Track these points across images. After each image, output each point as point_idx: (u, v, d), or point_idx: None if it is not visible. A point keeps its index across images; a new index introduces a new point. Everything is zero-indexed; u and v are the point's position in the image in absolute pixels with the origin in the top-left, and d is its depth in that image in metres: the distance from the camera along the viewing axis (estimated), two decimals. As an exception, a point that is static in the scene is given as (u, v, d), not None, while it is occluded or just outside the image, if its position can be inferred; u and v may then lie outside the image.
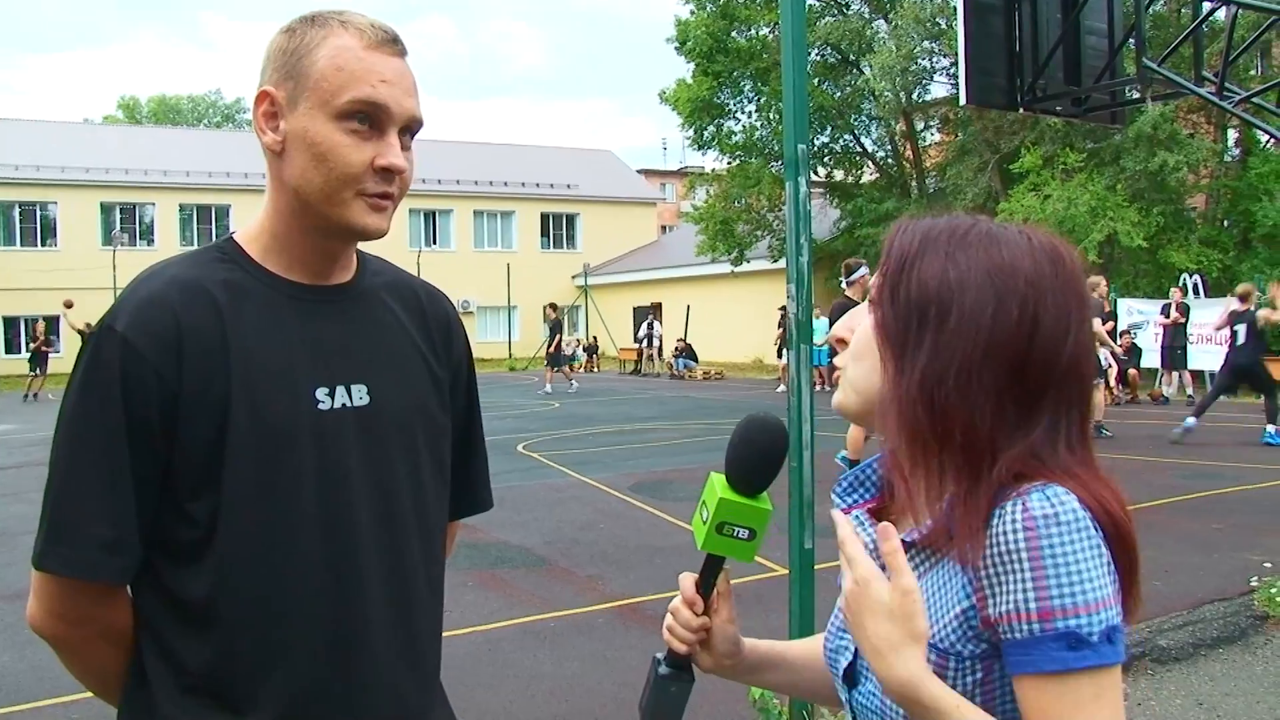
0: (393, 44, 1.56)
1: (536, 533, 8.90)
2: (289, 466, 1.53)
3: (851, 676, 1.33)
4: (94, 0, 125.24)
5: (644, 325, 33.83)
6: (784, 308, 5.32)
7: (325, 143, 1.50)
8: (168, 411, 1.48)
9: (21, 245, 41.73)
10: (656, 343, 33.69)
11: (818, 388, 22.25)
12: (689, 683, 1.49)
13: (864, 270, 11.47)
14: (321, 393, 1.57)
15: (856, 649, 1.32)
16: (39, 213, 42.51)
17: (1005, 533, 1.15)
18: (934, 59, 27.55)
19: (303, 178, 1.53)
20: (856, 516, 1.38)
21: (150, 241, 43.39)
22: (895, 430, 1.27)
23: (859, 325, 1.37)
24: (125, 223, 43.33)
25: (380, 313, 1.70)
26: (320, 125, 1.51)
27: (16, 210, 41.99)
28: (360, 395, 1.61)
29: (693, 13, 30.65)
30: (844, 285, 11.41)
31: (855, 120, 31.32)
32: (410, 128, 1.57)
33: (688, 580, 1.50)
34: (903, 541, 1.24)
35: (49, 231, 42.62)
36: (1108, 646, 1.12)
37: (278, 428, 1.52)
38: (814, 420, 3.97)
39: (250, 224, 1.66)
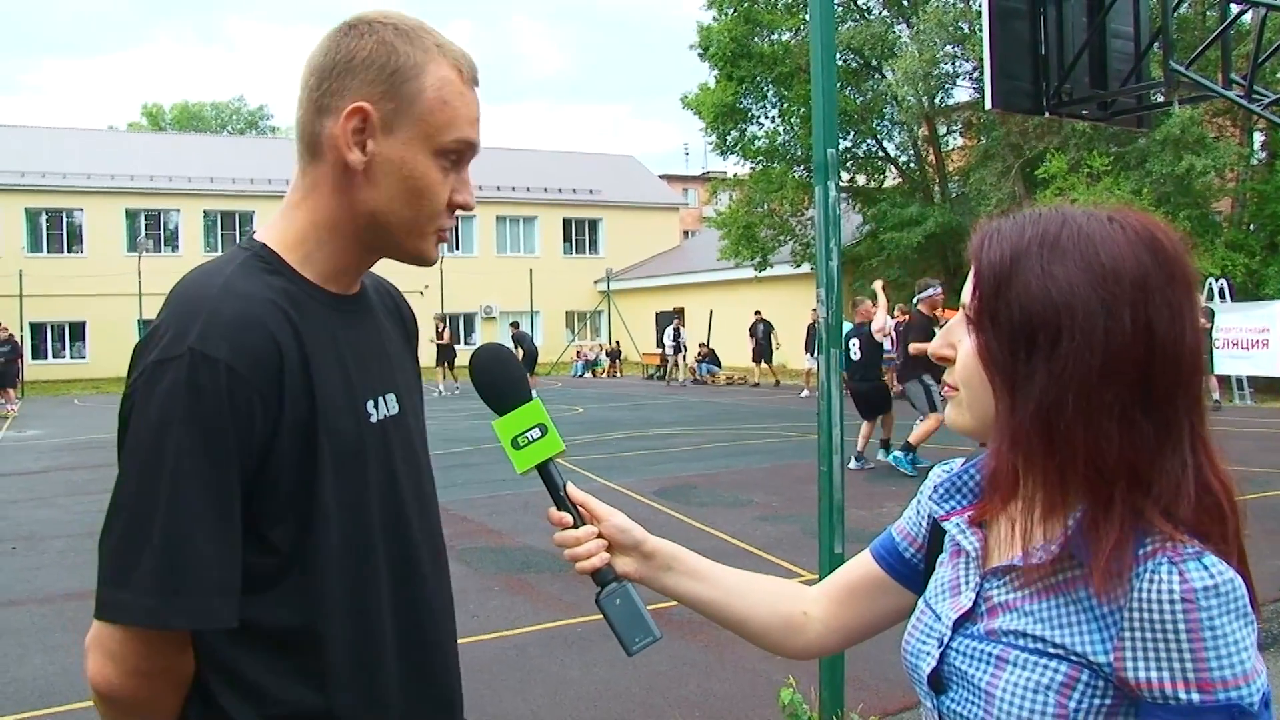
0: (477, 77, 1.57)
1: (561, 537, 8.89)
2: (362, 481, 1.54)
3: (938, 682, 1.30)
4: (115, 4, 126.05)
5: (669, 332, 33.51)
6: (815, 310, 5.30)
7: (424, 179, 1.51)
8: (270, 437, 1.42)
9: (48, 252, 41.98)
10: (684, 349, 33.34)
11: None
12: (622, 585, 1.56)
13: (932, 290, 12.04)
14: (369, 405, 1.58)
15: (943, 654, 1.29)
16: (65, 220, 42.83)
17: (1160, 602, 1.10)
18: (957, 63, 27.46)
19: (389, 206, 1.51)
20: (957, 524, 1.36)
21: (175, 248, 43.69)
22: (1012, 455, 1.22)
23: (960, 342, 1.29)
24: (150, 229, 43.57)
25: (380, 319, 1.72)
26: (421, 159, 1.50)
27: (44, 217, 42.25)
28: (393, 404, 1.63)
29: (715, 18, 30.62)
30: (915, 301, 12.34)
31: (878, 125, 31.24)
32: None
33: (551, 510, 1.59)
34: (1013, 565, 1.24)
35: (75, 238, 42.90)
36: (1265, 712, 1.11)
37: (350, 444, 1.52)
38: (843, 424, 3.96)
39: (283, 230, 1.59)
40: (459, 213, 1.60)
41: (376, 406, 1.58)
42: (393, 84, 1.49)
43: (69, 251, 42.28)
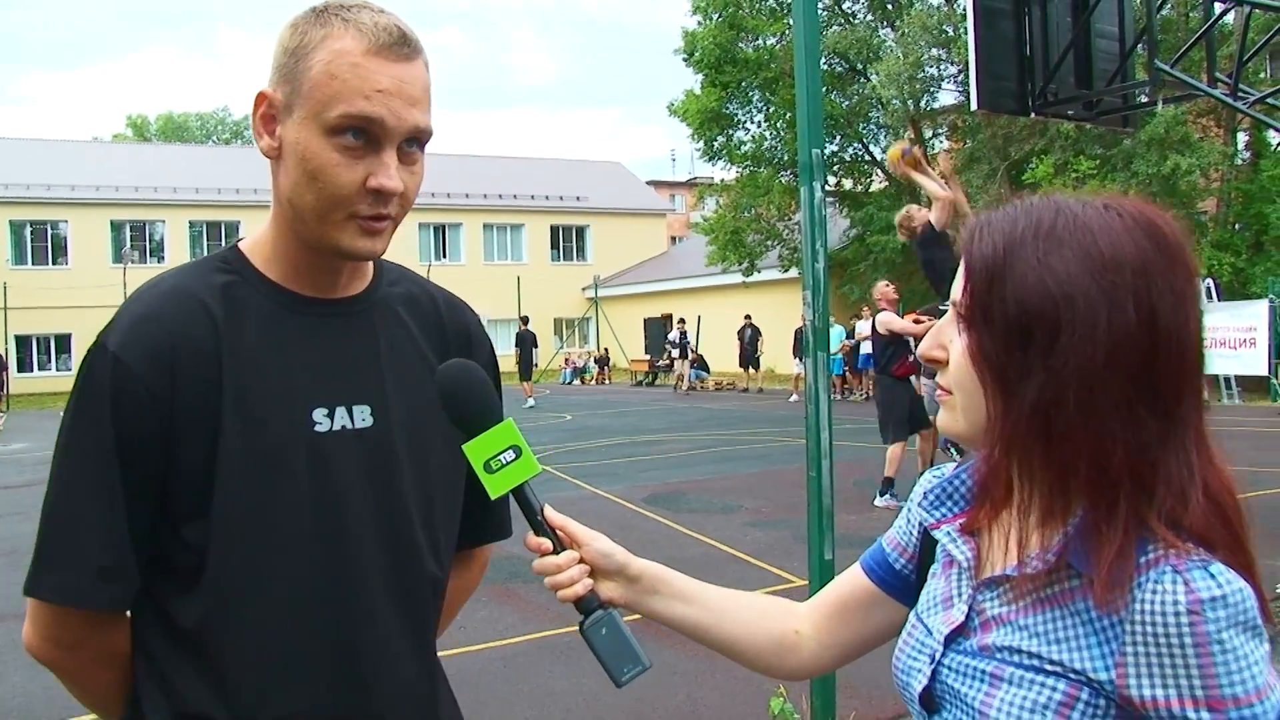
0: (398, 46, 1.42)
1: (550, 546, 8.82)
2: (282, 491, 1.46)
3: (930, 701, 1.24)
4: (101, 16, 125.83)
5: (674, 335, 32.87)
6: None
7: (315, 159, 1.41)
8: (162, 430, 1.42)
9: (33, 264, 41.83)
10: (689, 353, 32.46)
11: (857, 395, 21.60)
12: (607, 613, 1.47)
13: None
14: (320, 413, 1.50)
15: (934, 671, 1.22)
16: (50, 231, 42.73)
17: (1165, 614, 1.03)
18: (941, 66, 27.48)
19: (294, 192, 1.45)
20: (948, 533, 1.30)
21: (160, 258, 43.48)
22: (1008, 460, 1.16)
23: (951, 342, 1.22)
24: (135, 240, 43.45)
25: (392, 327, 1.62)
26: (312, 139, 1.41)
27: (28, 229, 42.17)
28: (363, 416, 1.54)
29: (700, 24, 30.64)
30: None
31: (864, 129, 31.26)
32: (417, 139, 1.46)
33: (528, 536, 1.49)
34: (1007, 576, 1.17)
35: (60, 250, 42.78)
36: None
37: (270, 449, 1.45)
38: (832, 428, 3.90)
39: (257, 234, 1.59)
40: (391, 200, 1.45)
41: (331, 416, 1.51)
42: (288, 65, 1.45)
43: (54, 263, 42.11)
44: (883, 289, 10.95)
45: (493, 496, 1.44)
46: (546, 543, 1.48)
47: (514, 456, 1.43)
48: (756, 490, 11.43)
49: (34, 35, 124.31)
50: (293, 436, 1.47)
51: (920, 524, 1.39)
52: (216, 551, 1.43)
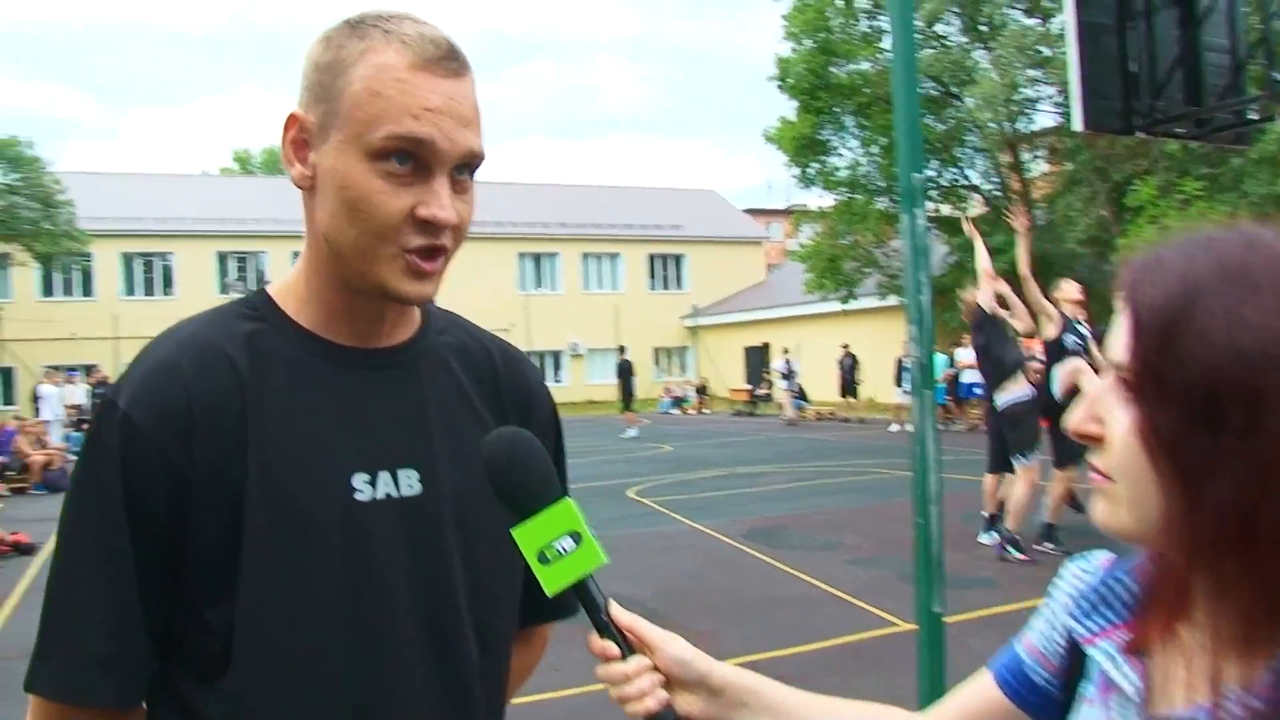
0: (448, 60, 1.26)
1: (647, 583, 8.63)
2: (313, 569, 1.28)
3: None
4: (207, 51, 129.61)
5: (780, 363, 32.19)
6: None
7: (357, 187, 1.24)
8: (178, 500, 1.25)
9: (143, 295, 42.84)
10: (795, 383, 31.53)
11: (959, 424, 20.55)
12: None
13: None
14: (360, 480, 1.32)
15: None
16: (159, 263, 43.74)
17: None
18: (1038, 87, 26.87)
19: (332, 225, 1.29)
20: (1107, 651, 1.01)
21: (267, 289, 44.29)
22: (1191, 569, 0.90)
23: (1112, 415, 0.93)
24: (241, 271, 44.30)
25: (441, 381, 1.44)
26: (352, 165, 1.25)
27: (138, 261, 43.24)
28: (410, 483, 1.36)
29: (793, 50, 30.40)
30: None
31: (960, 153, 30.67)
32: (469, 164, 1.29)
33: (591, 638, 1.24)
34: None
35: (168, 281, 43.72)
36: None
37: (301, 522, 1.28)
38: (940, 470, 3.66)
39: (287, 275, 1.42)
40: (443, 232, 1.27)
41: (374, 482, 1.33)
42: (324, 82, 1.28)
43: (163, 294, 43.10)
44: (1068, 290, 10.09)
45: (548, 593, 1.21)
46: (612, 647, 1.23)
47: (573, 544, 1.20)
48: (857, 525, 11.11)
49: (144, 73, 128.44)
50: (328, 506, 1.30)
51: (1068, 632, 1.10)
52: (243, 638, 1.25)
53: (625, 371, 27.26)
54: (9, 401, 37.02)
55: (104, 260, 41.65)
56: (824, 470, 16.91)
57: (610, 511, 13.04)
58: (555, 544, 1.20)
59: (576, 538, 1.21)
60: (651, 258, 50.77)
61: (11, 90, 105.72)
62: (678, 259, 51.37)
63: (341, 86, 1.26)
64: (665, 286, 51.06)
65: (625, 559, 9.68)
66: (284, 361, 1.34)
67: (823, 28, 29.52)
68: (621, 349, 28.91)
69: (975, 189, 31.44)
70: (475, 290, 44.33)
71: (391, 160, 1.23)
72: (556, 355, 47.47)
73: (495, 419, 1.47)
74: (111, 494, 1.24)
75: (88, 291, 41.90)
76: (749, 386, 38.91)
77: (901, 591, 7.64)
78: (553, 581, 1.20)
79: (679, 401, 40.04)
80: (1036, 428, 9.36)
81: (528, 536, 1.21)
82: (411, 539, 1.35)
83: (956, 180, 31.25)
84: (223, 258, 44.13)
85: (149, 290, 43.40)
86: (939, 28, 28.95)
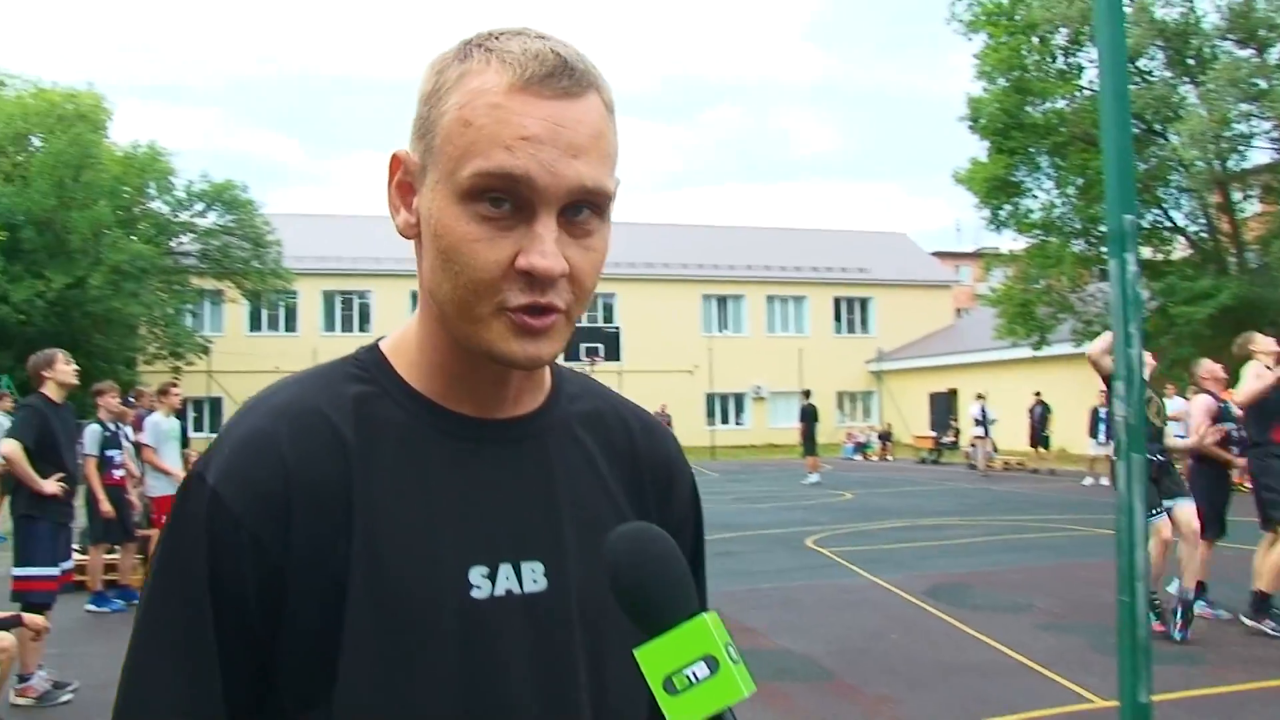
0: (554, 78, 1.04)
1: (821, 640, 8.29)
2: (426, 675, 1.07)
3: None
4: (404, 101, 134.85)
5: (975, 409, 31.00)
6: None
7: (449, 235, 1.05)
8: (270, 591, 1.05)
9: (341, 331, 44.44)
10: (989, 431, 30.15)
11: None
12: None
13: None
14: (478, 574, 1.11)
15: None
16: (356, 301, 45.50)
17: None
18: (1252, 122, 25.53)
19: (432, 279, 1.10)
20: None
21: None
22: None
23: None
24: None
25: (572, 457, 1.22)
26: (444, 208, 1.06)
27: (337, 299, 45.11)
28: (534, 578, 1.14)
29: (985, 89, 29.65)
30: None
31: (1163, 193, 29.31)
32: (588, 202, 1.06)
33: None
34: None
35: (365, 318, 45.34)
36: None
37: (413, 621, 1.07)
38: (1146, 544, 3.27)
39: (404, 326, 1.23)
40: (553, 285, 1.05)
41: (493, 577, 1.11)
42: (424, 115, 1.09)
43: (360, 330, 44.57)
44: (1210, 367, 9.62)
45: None
46: None
47: (708, 672, 0.95)
48: (1049, 586, 10.49)
49: (348, 119, 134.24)
50: (442, 604, 1.08)
51: None
52: None
53: (809, 416, 26.85)
54: (215, 429, 38.93)
55: (307, 297, 43.54)
56: (1013, 524, 16.17)
57: (787, 561, 12.74)
58: (686, 670, 0.96)
59: (713, 664, 0.96)
60: (837, 300, 50.29)
61: (233, 137, 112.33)
62: (864, 302, 50.78)
63: (436, 118, 1.07)
64: (850, 330, 50.53)
65: (800, 612, 9.38)
66: (396, 432, 1.14)
67: (1017, 65, 28.75)
68: (806, 393, 28.49)
69: (1180, 231, 30.00)
70: (659, 332, 44.77)
71: (485, 202, 1.03)
72: (739, 397, 47.38)
73: (631, 500, 1.25)
74: (196, 579, 1.06)
75: (291, 327, 43.95)
76: (934, 433, 37.95)
77: (1097, 663, 7.12)
78: (680, 715, 0.95)
79: (861, 447, 39.38)
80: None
81: (653, 659, 0.97)
82: (535, 644, 1.13)
83: (1159, 222, 29.89)
84: (416, 296, 45.52)
85: (347, 326, 45.12)
86: (1142, 62, 27.84)
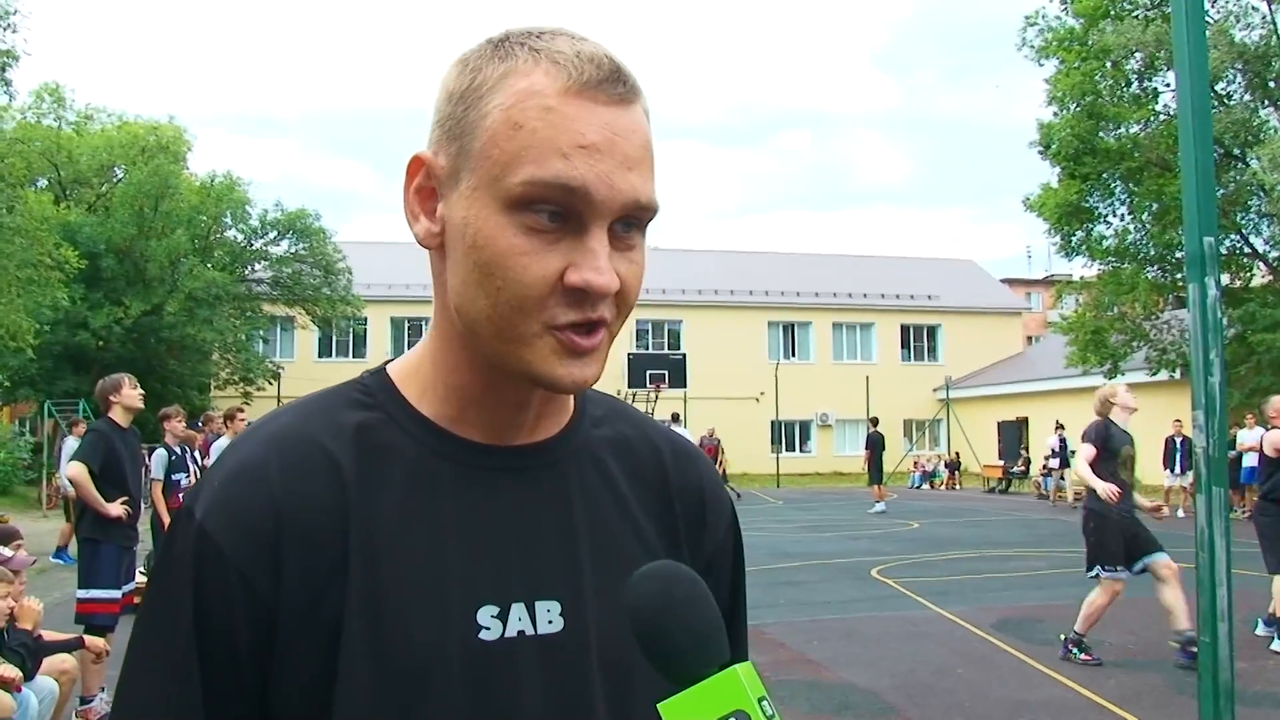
0: (610, 84, 0.97)
1: (886, 674, 8.10)
2: None
3: None
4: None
5: (1053, 440, 30.47)
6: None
7: (491, 246, 0.96)
8: (260, 633, 0.97)
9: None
10: (1068, 461, 29.48)
11: (1237, 512, 18.96)
12: None
13: None
14: (488, 615, 1.02)
15: None
16: (424, 327, 45.34)
17: None
18: (1339, 147, 24.91)
19: (464, 294, 1.00)
20: None
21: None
22: None
23: None
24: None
25: (594, 486, 1.13)
26: (486, 218, 0.97)
27: (406, 325, 45.68)
28: (550, 617, 1.04)
29: (1056, 114, 29.27)
30: None
31: (1242, 219, 28.72)
32: (636, 217, 0.99)
33: None
34: None
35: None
36: None
37: (416, 667, 0.98)
38: (1230, 582, 3.12)
39: (415, 349, 1.14)
40: (603, 302, 0.98)
41: (504, 618, 1.02)
42: (455, 115, 1.00)
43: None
44: (1278, 404, 9.41)
45: None
46: None
47: None
48: (1122, 622, 10.17)
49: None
50: (448, 648, 0.99)
51: None
52: None
53: (876, 444, 26.58)
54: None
55: (376, 323, 44.09)
56: (1084, 556, 15.79)
57: (852, 592, 12.54)
58: None
59: (741, 715, 0.84)
60: (904, 328, 49.86)
61: (310, 167, 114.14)
62: (932, 329, 50.30)
63: (476, 120, 0.98)
64: (918, 357, 50.06)
65: (865, 645, 9.19)
66: (401, 462, 1.05)
67: (1090, 91, 28.35)
68: (874, 420, 28.21)
69: (1260, 257, 29.34)
70: (725, 359, 44.66)
71: (535, 212, 0.95)
72: (805, 425, 47.11)
73: (661, 533, 1.15)
74: (181, 623, 0.98)
75: (359, 353, 44.51)
76: (1003, 462, 37.36)
77: (1175, 704, 6.89)
78: None
79: (929, 476, 38.88)
80: None
81: (678, 713, 0.87)
82: (550, 689, 1.03)
83: (1238, 248, 29.28)
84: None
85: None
86: (1220, 86, 27.35)
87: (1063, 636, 8.74)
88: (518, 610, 1.03)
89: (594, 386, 1.14)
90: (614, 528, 1.12)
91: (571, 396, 1.16)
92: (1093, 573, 8.63)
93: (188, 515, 1.01)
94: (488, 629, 1.01)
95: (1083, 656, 8.44)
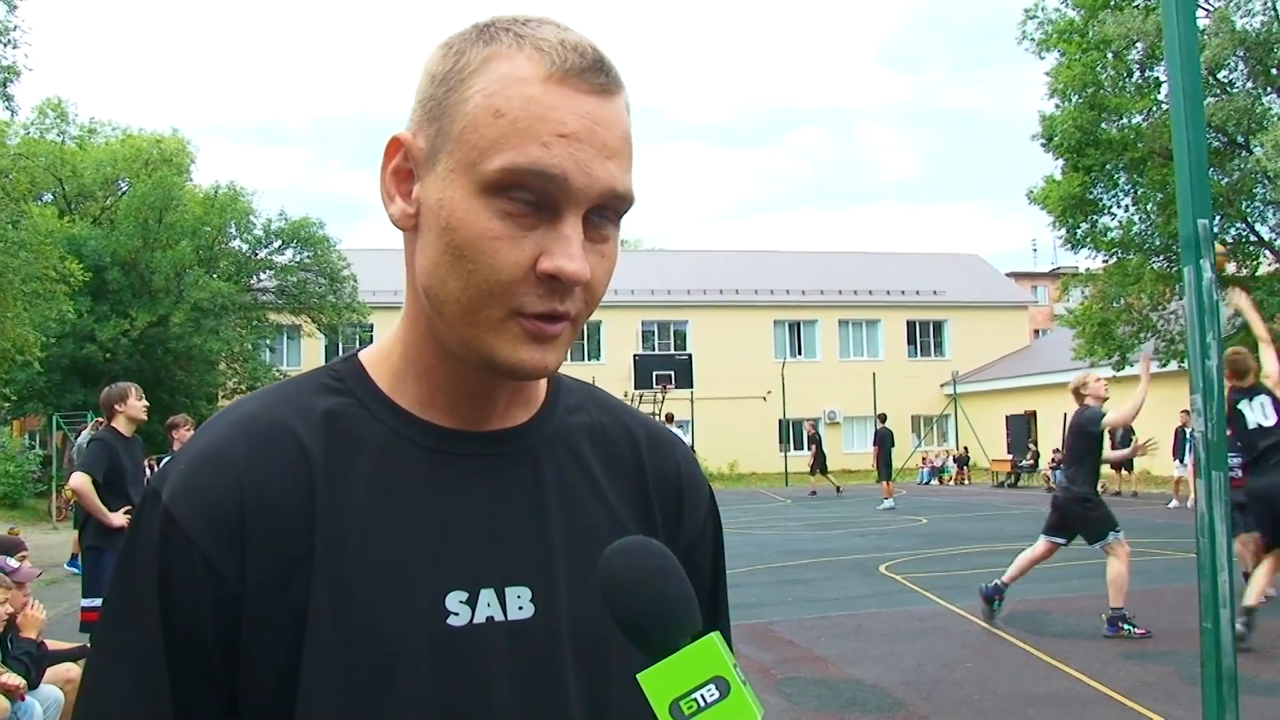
0: (592, 73, 0.98)
1: (894, 669, 8.07)
2: (393, 712, 0.97)
3: None
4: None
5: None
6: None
7: (466, 229, 0.96)
8: (226, 619, 0.97)
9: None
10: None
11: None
12: None
13: None
14: (457, 599, 1.01)
15: None
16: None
17: None
18: (1342, 132, 24.84)
19: (433, 276, 1.00)
20: None
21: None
22: None
23: None
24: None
25: (568, 472, 1.12)
26: (461, 201, 0.96)
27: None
28: (520, 603, 1.04)
29: (1059, 107, 29.22)
30: None
31: (1247, 207, 28.64)
32: (611, 207, 0.99)
33: None
34: None
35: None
36: None
37: (382, 652, 0.97)
38: (1232, 566, 3.10)
39: (385, 335, 1.14)
40: (571, 292, 0.98)
41: (473, 603, 1.01)
42: (436, 97, 1.00)
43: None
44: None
45: None
46: None
47: (718, 695, 0.87)
48: (1132, 612, 10.17)
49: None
50: (415, 634, 0.99)
51: None
52: None
53: (884, 440, 26.58)
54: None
55: (381, 330, 44.10)
56: (1094, 548, 15.75)
57: (861, 588, 12.51)
58: (694, 694, 0.87)
59: (723, 686, 0.87)
60: (911, 324, 49.79)
61: (319, 177, 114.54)
62: (938, 325, 50.24)
63: (457, 103, 0.98)
64: (925, 353, 50.00)
65: (873, 640, 9.17)
66: (370, 448, 1.05)
67: (1092, 82, 28.31)
68: (882, 417, 28.24)
69: (1266, 245, 29.27)
70: (732, 358, 44.64)
71: (510, 198, 0.95)
72: (813, 423, 47.10)
73: (636, 518, 1.15)
74: (147, 608, 0.97)
75: (365, 360, 44.87)
76: (1012, 456, 37.29)
77: (1185, 695, 6.84)
78: None
79: (938, 472, 38.81)
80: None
81: (658, 683, 0.89)
82: (521, 675, 1.02)
83: (1243, 235, 29.20)
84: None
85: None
86: (1222, 74, 27.29)
87: (1104, 617, 9.05)
88: (487, 596, 1.03)
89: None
90: (588, 513, 1.11)
91: (544, 383, 1.16)
92: (1101, 542, 9.26)
93: (154, 499, 1.00)
94: (456, 615, 1.01)
95: (1138, 631, 8.81)
